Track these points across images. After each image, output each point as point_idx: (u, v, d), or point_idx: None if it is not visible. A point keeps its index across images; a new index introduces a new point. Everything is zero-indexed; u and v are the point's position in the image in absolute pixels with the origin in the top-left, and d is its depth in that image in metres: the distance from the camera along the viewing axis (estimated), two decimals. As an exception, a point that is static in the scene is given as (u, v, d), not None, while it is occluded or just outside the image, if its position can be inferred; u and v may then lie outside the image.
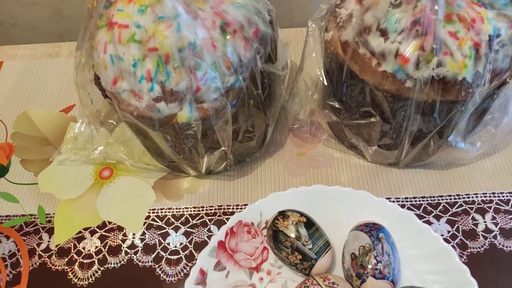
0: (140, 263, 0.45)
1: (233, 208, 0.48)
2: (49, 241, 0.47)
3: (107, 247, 0.46)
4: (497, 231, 0.45)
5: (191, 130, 0.39)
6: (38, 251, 0.46)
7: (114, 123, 0.53)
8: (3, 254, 0.46)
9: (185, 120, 0.38)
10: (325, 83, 0.42)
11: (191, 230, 0.47)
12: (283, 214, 0.41)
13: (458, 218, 0.46)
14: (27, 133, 0.55)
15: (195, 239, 0.46)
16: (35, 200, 0.50)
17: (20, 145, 0.54)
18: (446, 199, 0.47)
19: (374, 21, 0.36)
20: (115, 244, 0.46)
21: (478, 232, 0.45)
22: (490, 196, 0.47)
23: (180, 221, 0.47)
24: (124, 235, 0.47)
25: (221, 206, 0.48)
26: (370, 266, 0.38)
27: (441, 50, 0.34)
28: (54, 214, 0.48)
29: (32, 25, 0.72)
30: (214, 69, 0.36)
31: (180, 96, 0.36)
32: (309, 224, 0.41)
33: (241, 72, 0.38)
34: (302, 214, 0.42)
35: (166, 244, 0.46)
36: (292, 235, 0.40)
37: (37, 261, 0.45)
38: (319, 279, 0.38)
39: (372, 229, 0.40)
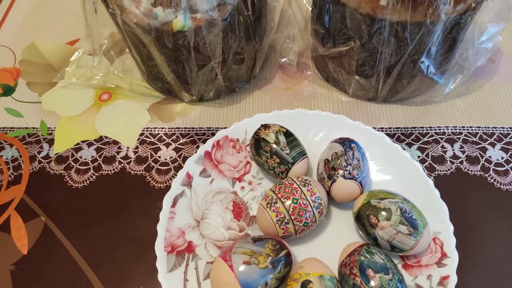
0: (132, 171, 0.49)
1: (221, 130, 0.51)
2: (49, 150, 0.50)
3: (102, 157, 0.50)
4: (464, 158, 0.48)
5: (184, 41, 0.43)
6: (38, 158, 0.50)
7: (116, 54, 0.57)
8: (6, 158, 0.50)
9: (179, 27, 0.42)
10: (309, 7, 0.46)
11: (181, 146, 0.51)
12: (265, 125, 0.45)
13: (429, 146, 0.49)
14: (34, 61, 0.59)
15: (184, 154, 0.50)
16: (38, 116, 0.53)
17: (27, 70, 0.58)
18: (419, 130, 0.51)
19: None
20: (110, 155, 0.50)
21: (446, 158, 0.48)
22: (460, 129, 0.51)
23: (171, 139, 0.51)
24: (119, 148, 0.50)
25: (210, 128, 0.52)
26: (340, 168, 0.41)
27: (411, -33, 0.38)
28: (55, 128, 0.52)
29: None
30: (207, -22, 0.40)
31: (176, 0, 0.40)
32: (288, 134, 0.45)
33: (232, -12, 0.42)
34: (282, 126, 0.45)
35: (157, 157, 0.50)
36: (272, 141, 0.43)
37: (37, 166, 0.49)
38: (294, 177, 0.42)
39: (345, 141, 0.44)
